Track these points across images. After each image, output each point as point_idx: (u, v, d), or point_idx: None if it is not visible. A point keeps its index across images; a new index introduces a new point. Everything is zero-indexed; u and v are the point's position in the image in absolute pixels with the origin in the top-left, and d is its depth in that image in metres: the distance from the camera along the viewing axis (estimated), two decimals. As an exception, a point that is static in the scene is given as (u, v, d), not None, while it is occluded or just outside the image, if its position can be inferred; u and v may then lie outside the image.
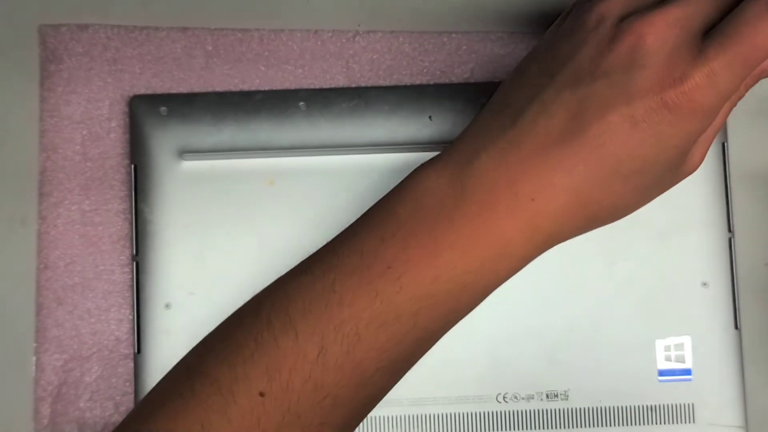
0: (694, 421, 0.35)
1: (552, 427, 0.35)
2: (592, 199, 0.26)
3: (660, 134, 0.25)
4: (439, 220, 0.26)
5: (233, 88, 0.36)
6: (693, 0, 0.25)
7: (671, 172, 0.27)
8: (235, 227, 0.35)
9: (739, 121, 0.36)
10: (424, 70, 0.37)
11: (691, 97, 0.24)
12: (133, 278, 0.35)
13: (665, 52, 0.25)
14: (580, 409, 0.35)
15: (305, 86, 0.36)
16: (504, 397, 0.35)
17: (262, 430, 0.25)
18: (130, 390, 0.35)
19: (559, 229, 0.27)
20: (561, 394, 0.35)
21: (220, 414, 0.25)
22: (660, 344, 0.35)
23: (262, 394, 0.25)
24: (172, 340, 0.35)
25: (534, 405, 0.35)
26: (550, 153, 0.26)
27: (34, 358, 0.36)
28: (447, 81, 0.37)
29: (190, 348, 0.28)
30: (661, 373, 0.35)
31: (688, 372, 0.35)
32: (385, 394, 0.29)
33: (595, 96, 0.25)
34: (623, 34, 0.25)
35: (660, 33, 0.25)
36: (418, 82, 0.37)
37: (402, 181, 0.28)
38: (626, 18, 0.25)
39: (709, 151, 0.35)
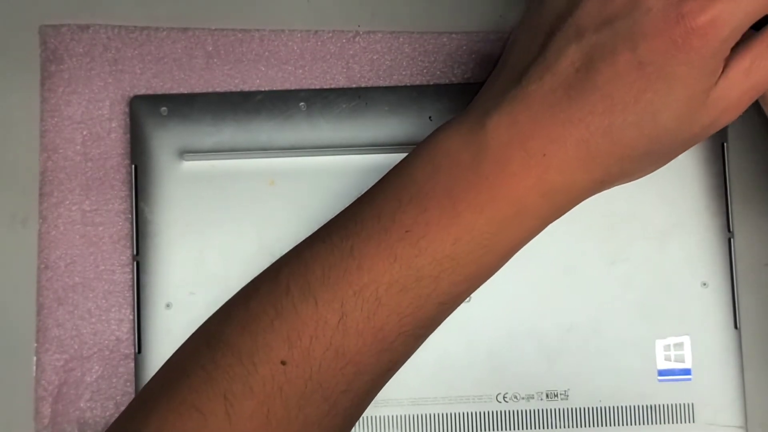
0: (693, 421, 0.35)
1: (552, 427, 0.35)
2: (602, 150, 0.26)
3: (668, 75, 0.24)
4: (456, 181, 0.26)
5: (233, 89, 0.36)
6: None
7: (683, 124, 0.26)
8: (235, 227, 0.35)
9: (739, 121, 0.36)
10: (424, 70, 0.37)
11: (703, 32, 0.23)
12: (133, 278, 0.35)
13: None
14: (580, 409, 0.35)
15: (305, 86, 0.37)
16: (504, 397, 0.35)
17: (284, 399, 0.25)
18: (131, 390, 0.35)
19: (572, 184, 0.26)
20: (561, 394, 0.35)
21: (242, 384, 0.25)
22: (660, 344, 0.35)
23: (283, 362, 0.25)
24: (172, 340, 0.35)
25: (534, 405, 0.35)
26: (559, 108, 0.25)
27: (34, 358, 0.36)
28: (447, 81, 0.37)
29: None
30: (661, 372, 0.35)
31: (687, 372, 0.35)
32: (407, 359, 0.28)
33: (601, 46, 0.25)
34: None
35: None
36: (418, 82, 0.37)
37: (417, 146, 0.28)
38: None
39: (708, 151, 0.36)
